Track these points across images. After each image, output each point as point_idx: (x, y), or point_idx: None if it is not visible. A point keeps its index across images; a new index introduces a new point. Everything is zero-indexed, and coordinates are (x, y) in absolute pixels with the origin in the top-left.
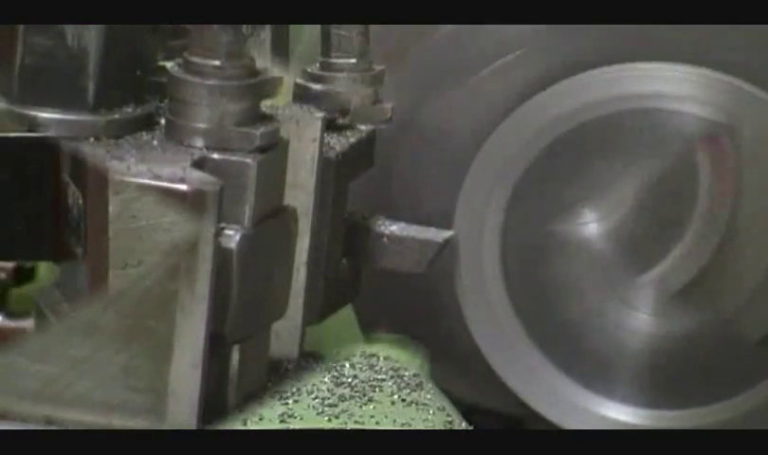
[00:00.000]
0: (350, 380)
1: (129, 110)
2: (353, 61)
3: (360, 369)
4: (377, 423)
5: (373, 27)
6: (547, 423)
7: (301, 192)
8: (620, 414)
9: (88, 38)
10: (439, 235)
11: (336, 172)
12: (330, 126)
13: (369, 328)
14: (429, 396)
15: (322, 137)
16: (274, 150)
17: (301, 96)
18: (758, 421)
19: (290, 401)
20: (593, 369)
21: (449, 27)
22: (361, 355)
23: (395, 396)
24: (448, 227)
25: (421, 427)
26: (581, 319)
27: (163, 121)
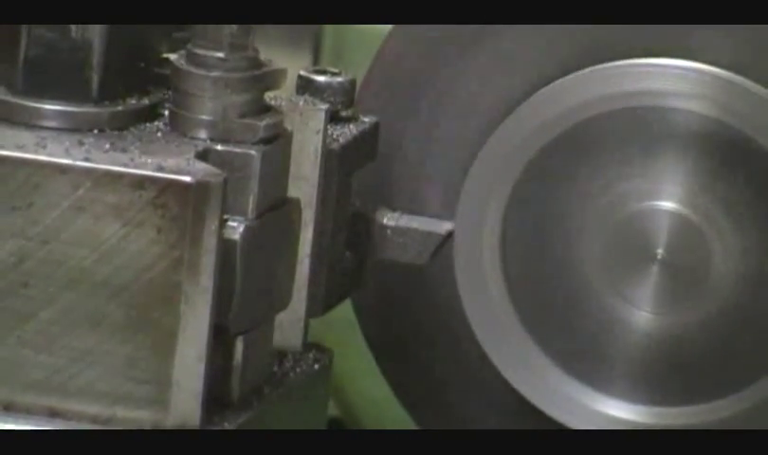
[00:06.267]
0: None
1: (133, 102)
2: None
3: None
4: None
5: None
6: (548, 420)
7: (304, 184)
8: (621, 411)
9: (92, 30)
10: (442, 226)
11: (339, 164)
12: (333, 118)
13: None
14: None
15: (326, 129)
16: (278, 141)
17: (305, 88)
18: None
19: None
20: (593, 365)
21: None
22: None
23: None
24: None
25: None
26: (582, 316)
27: (167, 113)
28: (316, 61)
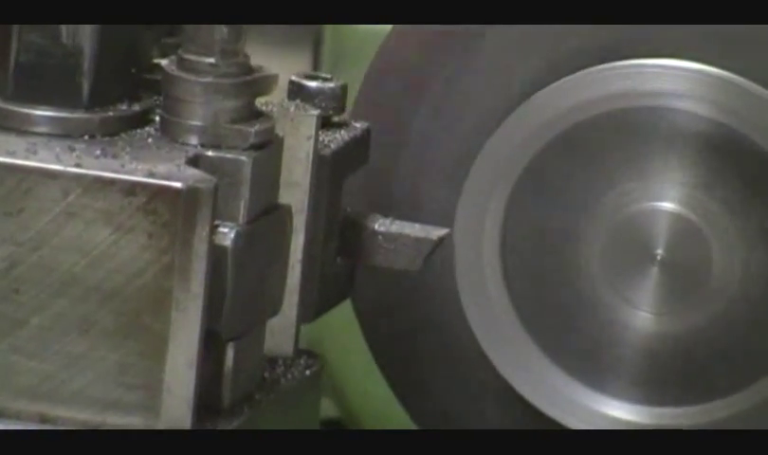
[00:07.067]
0: None
1: (124, 107)
2: None
3: None
4: None
5: None
6: (548, 420)
7: (296, 190)
8: (621, 412)
9: (83, 36)
10: (434, 232)
11: (331, 170)
12: (325, 123)
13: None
14: None
15: (317, 135)
16: (269, 147)
17: (297, 93)
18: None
19: None
20: (593, 366)
21: None
22: None
23: None
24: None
25: None
26: (582, 317)
27: (158, 119)
28: (315, 61)
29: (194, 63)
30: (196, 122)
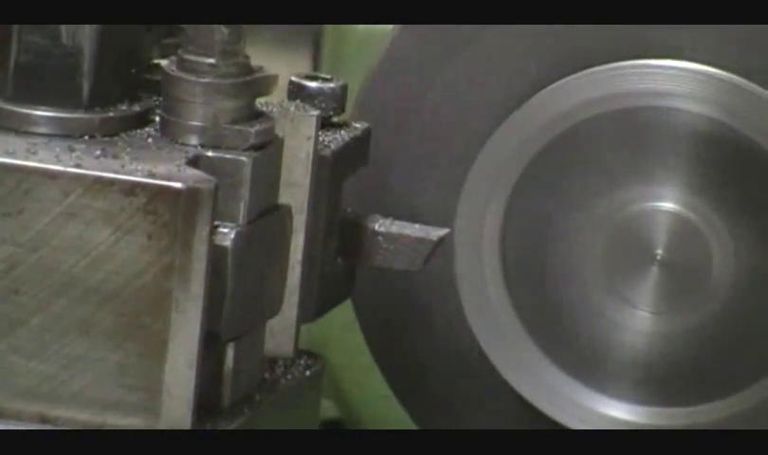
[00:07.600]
0: None
1: (124, 108)
2: None
3: None
4: None
5: None
6: (548, 420)
7: (296, 190)
8: (621, 412)
9: (83, 36)
10: (434, 233)
11: (330, 170)
12: (325, 124)
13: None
14: None
15: (317, 135)
16: (269, 147)
17: (297, 93)
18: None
19: None
20: (593, 366)
21: None
22: None
23: None
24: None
25: None
26: (582, 317)
27: (158, 119)
28: (315, 61)
29: (194, 64)
30: (196, 123)
